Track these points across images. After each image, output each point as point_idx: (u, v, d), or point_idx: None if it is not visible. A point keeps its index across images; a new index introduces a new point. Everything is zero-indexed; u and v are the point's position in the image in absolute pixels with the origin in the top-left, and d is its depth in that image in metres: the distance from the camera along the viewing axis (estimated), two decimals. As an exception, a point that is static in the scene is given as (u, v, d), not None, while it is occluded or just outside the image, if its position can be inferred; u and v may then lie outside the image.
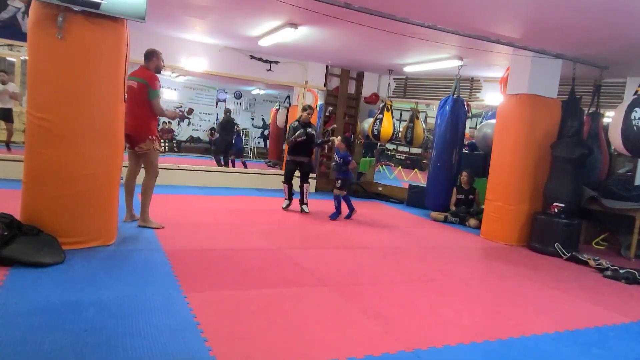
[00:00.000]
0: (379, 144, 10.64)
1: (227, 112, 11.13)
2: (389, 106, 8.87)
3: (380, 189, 9.39)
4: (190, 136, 14.00)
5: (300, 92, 9.09)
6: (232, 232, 5.07)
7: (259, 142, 15.22)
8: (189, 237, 4.59)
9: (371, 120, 9.11)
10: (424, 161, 14.34)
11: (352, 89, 9.42)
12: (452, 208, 7.23)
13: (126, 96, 4.54)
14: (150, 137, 4.65)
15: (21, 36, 6.24)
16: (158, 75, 4.72)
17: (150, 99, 4.55)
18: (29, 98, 3.74)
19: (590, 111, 6.31)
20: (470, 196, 7.16)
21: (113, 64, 3.83)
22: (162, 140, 5.05)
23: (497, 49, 5.73)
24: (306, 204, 6.59)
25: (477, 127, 9.10)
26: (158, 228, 4.72)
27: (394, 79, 9.17)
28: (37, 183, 3.68)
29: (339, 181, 6.45)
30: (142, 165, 4.83)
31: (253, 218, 5.92)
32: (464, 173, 7.20)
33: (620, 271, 4.72)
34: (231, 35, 7.11)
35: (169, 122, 13.09)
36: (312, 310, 3.08)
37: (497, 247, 5.76)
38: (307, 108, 6.54)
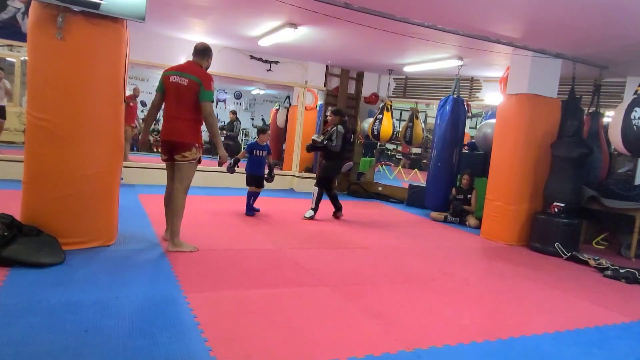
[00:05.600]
0: (378, 144, 10.65)
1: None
2: (389, 106, 8.88)
3: (380, 189, 9.39)
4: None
5: (300, 92, 9.10)
6: (232, 232, 5.07)
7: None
8: (189, 237, 4.57)
9: (371, 120, 9.11)
10: (400, 158, 14.43)
11: (352, 89, 9.42)
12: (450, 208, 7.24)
13: (165, 95, 4.02)
14: (196, 144, 4.00)
15: (21, 36, 6.24)
16: None
17: (204, 100, 3.88)
18: (29, 98, 3.74)
19: (590, 111, 6.31)
20: (469, 195, 7.17)
21: (113, 64, 3.82)
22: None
23: (497, 49, 5.74)
24: (312, 208, 6.24)
25: (477, 127, 9.10)
26: (193, 251, 4.10)
27: (393, 78, 9.18)
28: (37, 183, 3.68)
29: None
30: (174, 176, 4.09)
31: (253, 218, 5.92)
32: (466, 176, 7.19)
33: (621, 271, 4.73)
34: (231, 36, 7.11)
35: None
36: (312, 310, 3.08)
37: (497, 247, 5.76)
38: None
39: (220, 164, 4.35)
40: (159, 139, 4.18)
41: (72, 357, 2.19)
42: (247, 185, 6.11)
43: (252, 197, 6.08)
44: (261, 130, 6.30)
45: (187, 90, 3.90)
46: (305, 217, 6.20)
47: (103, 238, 3.94)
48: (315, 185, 6.35)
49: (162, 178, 5.03)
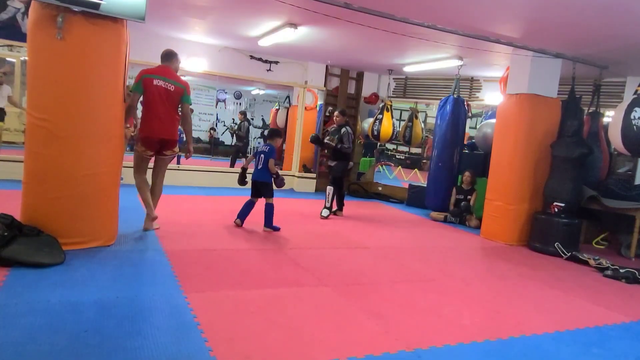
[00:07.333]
0: (378, 144, 10.65)
1: None
2: (389, 106, 8.88)
3: (380, 189, 9.39)
4: (191, 136, 13.99)
5: (300, 92, 9.10)
6: (232, 232, 5.07)
7: (259, 142, 15.23)
8: (189, 237, 4.59)
9: (371, 120, 9.11)
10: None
11: (351, 88, 9.42)
12: (452, 208, 7.22)
13: (148, 97, 4.37)
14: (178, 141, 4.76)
15: (21, 37, 6.25)
16: None
17: (187, 103, 4.60)
18: (29, 99, 3.74)
19: (590, 111, 6.31)
20: (469, 197, 7.15)
21: (113, 65, 3.82)
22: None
23: (497, 49, 5.73)
24: (326, 207, 6.45)
25: (477, 127, 9.10)
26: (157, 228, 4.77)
27: (393, 78, 9.17)
28: (37, 183, 3.68)
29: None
30: (157, 168, 4.76)
31: (253, 218, 5.91)
32: (467, 173, 7.19)
33: (621, 270, 4.73)
34: (231, 36, 7.11)
35: None
36: (312, 310, 3.08)
37: (497, 247, 5.76)
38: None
39: (186, 158, 4.98)
40: (136, 134, 4.55)
41: (72, 357, 2.19)
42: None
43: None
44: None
45: (174, 95, 4.48)
46: (322, 216, 6.39)
47: (103, 238, 3.94)
48: (330, 185, 6.53)
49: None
